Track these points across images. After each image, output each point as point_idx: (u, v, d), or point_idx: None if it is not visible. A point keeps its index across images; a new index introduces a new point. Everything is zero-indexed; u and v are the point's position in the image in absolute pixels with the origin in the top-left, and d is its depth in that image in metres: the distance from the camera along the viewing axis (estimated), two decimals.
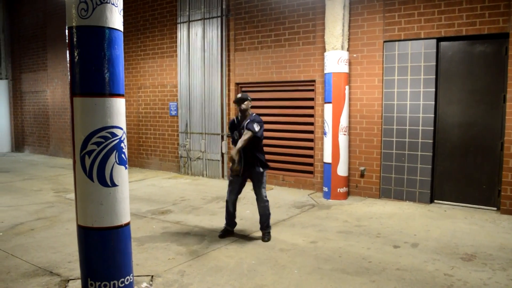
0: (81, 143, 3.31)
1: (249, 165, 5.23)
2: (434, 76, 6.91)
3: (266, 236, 5.31)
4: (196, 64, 9.68)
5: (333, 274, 4.19)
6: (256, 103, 9.13)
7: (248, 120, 5.20)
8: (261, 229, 5.37)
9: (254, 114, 5.34)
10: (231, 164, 5.11)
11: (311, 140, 8.36)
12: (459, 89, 6.87)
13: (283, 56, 8.50)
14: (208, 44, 9.45)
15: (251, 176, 5.31)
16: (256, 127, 5.09)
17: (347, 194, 7.64)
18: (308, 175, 8.45)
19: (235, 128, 5.34)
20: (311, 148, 8.37)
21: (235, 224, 5.49)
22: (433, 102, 6.94)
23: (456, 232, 5.56)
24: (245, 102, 5.25)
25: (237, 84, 9.26)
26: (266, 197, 5.33)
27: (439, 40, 6.87)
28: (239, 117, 5.34)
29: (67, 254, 4.72)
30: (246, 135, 5.03)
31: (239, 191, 5.39)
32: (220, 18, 9.22)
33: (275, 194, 7.99)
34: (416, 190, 7.16)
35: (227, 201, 5.39)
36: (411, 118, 7.13)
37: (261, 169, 5.25)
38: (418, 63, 7.00)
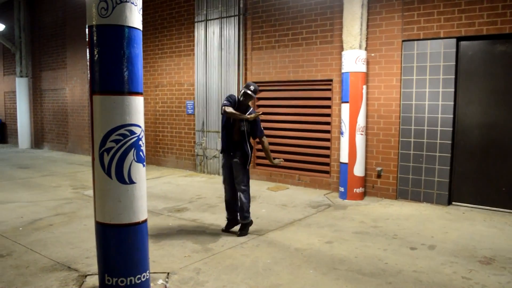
0: (100, 140, 3.35)
1: (237, 156, 5.36)
2: (454, 76, 6.81)
3: (240, 230, 5.45)
4: (213, 63, 9.71)
5: (348, 275, 4.17)
6: (272, 102, 9.14)
7: (254, 116, 5.27)
8: (239, 218, 5.51)
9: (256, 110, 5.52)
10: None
11: (328, 140, 8.32)
12: (479, 90, 6.76)
13: (300, 55, 8.47)
14: (225, 43, 9.48)
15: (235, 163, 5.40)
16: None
17: (364, 195, 7.59)
18: (324, 175, 8.41)
19: (233, 106, 5.31)
20: (328, 148, 8.33)
21: (235, 215, 5.56)
22: (452, 103, 6.85)
23: (474, 234, 5.48)
24: (249, 95, 5.35)
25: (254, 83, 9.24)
26: (244, 185, 5.40)
27: (459, 39, 6.77)
28: (241, 99, 5.39)
29: (85, 250, 4.78)
30: (265, 141, 5.50)
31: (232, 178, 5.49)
32: (237, 17, 9.24)
33: (291, 193, 7.98)
34: (433, 192, 7.08)
35: (224, 186, 5.59)
36: (429, 119, 7.05)
37: (241, 163, 5.37)
38: (437, 62, 6.91)
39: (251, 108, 5.49)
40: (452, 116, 6.86)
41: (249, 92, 5.30)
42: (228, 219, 5.56)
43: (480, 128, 6.78)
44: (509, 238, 5.35)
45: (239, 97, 5.42)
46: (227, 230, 5.54)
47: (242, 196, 5.40)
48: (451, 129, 6.88)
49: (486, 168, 6.76)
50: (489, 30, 6.43)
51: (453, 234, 5.48)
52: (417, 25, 7.05)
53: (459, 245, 5.05)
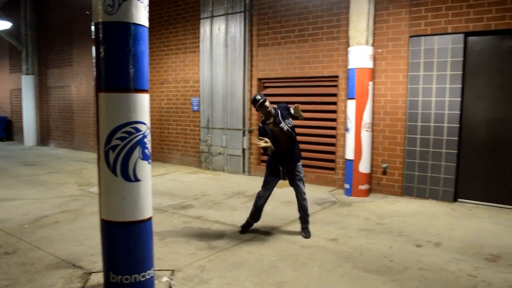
0: (105, 138, 3.35)
1: (291, 161, 5.15)
2: (461, 72, 6.75)
3: (306, 231, 5.30)
4: (219, 59, 9.69)
5: (354, 272, 4.15)
6: (278, 99, 9.08)
7: (279, 112, 5.08)
8: (304, 223, 5.36)
9: (275, 106, 5.22)
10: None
11: (333, 137, 8.29)
12: (487, 86, 6.70)
13: (306, 51, 8.43)
14: (231, 40, 9.45)
15: (291, 171, 5.19)
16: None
17: (369, 192, 7.56)
18: (329, 171, 8.38)
19: (266, 130, 5.11)
20: (333, 145, 8.30)
21: (259, 218, 5.45)
22: (460, 99, 6.80)
23: (480, 231, 5.45)
24: (266, 103, 5.09)
25: (259, 79, 9.24)
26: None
27: (467, 35, 6.71)
28: (264, 118, 5.17)
29: (90, 247, 4.79)
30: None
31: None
32: (243, 13, 9.21)
33: None
34: (439, 188, 7.04)
35: (260, 196, 5.30)
36: (436, 115, 7.00)
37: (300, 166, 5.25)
38: (445, 58, 6.86)
39: (273, 111, 5.19)
40: (459, 112, 6.81)
41: (256, 104, 5.11)
42: (251, 223, 5.42)
43: (487, 124, 6.73)
44: None
45: (262, 116, 5.22)
46: (246, 232, 5.39)
47: (306, 199, 5.30)
48: (458, 125, 6.83)
49: (492, 165, 6.71)
50: (498, 25, 6.36)
51: (459, 231, 5.45)
52: (425, 21, 6.99)
53: (465, 242, 5.02)
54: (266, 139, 4.97)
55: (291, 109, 5.10)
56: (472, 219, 6.02)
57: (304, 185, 5.29)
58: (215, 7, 9.69)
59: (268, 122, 5.14)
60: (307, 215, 5.31)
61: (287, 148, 5.13)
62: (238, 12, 9.29)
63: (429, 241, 5.07)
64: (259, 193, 5.34)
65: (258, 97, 5.11)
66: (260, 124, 5.22)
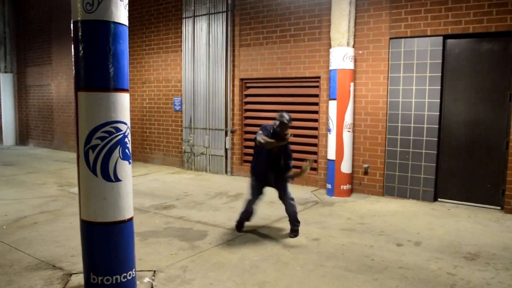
0: (85, 137, 3.31)
1: (279, 173, 5.22)
2: (440, 74, 6.86)
3: (294, 232, 5.32)
4: (201, 59, 9.66)
5: (335, 272, 4.18)
6: (260, 99, 9.12)
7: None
8: (293, 226, 5.36)
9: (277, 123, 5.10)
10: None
11: (315, 137, 8.34)
12: (465, 87, 6.82)
13: (288, 52, 8.46)
14: (213, 39, 9.43)
15: (277, 182, 5.25)
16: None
17: (351, 191, 7.63)
18: (311, 171, 8.42)
19: (269, 133, 5.04)
20: (315, 145, 8.35)
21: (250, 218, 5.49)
22: (439, 100, 6.90)
23: (459, 231, 5.54)
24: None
25: (241, 79, 9.24)
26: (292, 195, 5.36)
27: (446, 37, 6.82)
28: (277, 130, 4.99)
29: (70, 248, 4.73)
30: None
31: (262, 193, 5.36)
32: (225, 13, 9.19)
33: None
34: (420, 188, 7.13)
35: (249, 201, 5.30)
36: (416, 116, 7.09)
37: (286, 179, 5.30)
38: (424, 60, 6.96)
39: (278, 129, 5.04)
40: (438, 113, 6.92)
41: (284, 121, 4.92)
42: (244, 220, 5.47)
43: (465, 125, 6.85)
44: (493, 234, 5.42)
45: (275, 127, 5.01)
46: (242, 228, 5.48)
47: (295, 205, 5.29)
48: (437, 126, 6.94)
49: (471, 165, 6.83)
50: (476, 28, 6.48)
51: (438, 231, 5.53)
52: (405, 23, 7.08)
53: (444, 241, 5.10)
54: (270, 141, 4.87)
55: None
56: (451, 219, 6.12)
57: (289, 191, 5.32)
58: (197, 6, 9.65)
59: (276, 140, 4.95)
60: (296, 219, 5.33)
61: (276, 159, 5.17)
62: (220, 12, 9.27)
63: (410, 240, 5.14)
64: (247, 199, 5.35)
65: (287, 117, 4.95)
66: (264, 125, 5.14)
